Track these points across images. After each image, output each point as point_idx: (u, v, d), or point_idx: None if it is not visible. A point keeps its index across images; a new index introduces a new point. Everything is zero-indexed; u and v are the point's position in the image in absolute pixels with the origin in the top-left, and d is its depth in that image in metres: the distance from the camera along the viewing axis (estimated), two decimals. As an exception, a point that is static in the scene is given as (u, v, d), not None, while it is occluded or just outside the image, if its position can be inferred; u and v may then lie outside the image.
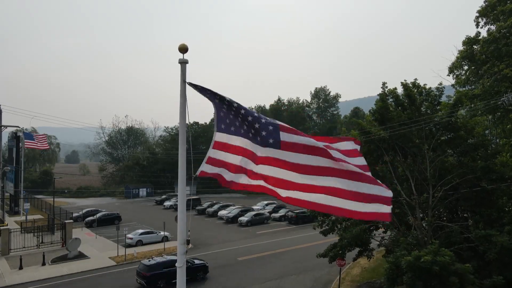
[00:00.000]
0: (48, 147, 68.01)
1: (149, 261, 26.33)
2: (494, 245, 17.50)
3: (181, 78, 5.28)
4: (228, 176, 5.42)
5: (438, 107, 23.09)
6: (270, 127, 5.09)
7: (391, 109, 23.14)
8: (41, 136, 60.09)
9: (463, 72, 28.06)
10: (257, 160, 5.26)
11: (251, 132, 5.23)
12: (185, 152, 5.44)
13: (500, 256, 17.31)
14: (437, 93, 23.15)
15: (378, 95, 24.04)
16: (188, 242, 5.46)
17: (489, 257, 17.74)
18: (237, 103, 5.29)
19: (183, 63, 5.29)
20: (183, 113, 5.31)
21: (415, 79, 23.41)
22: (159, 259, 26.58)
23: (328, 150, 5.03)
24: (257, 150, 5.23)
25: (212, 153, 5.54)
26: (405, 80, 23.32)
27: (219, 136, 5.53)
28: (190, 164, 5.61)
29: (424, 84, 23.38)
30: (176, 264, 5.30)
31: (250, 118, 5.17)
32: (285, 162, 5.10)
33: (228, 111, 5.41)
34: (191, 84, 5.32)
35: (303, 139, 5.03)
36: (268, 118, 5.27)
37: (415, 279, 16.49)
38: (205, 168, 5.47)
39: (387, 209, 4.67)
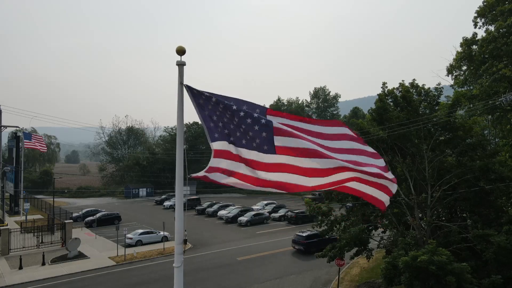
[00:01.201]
0: (46, 150, 68.09)
1: (303, 233, 34.36)
2: (491, 245, 17.56)
3: (178, 80, 5.32)
4: (219, 178, 5.47)
5: (436, 107, 23.16)
6: (264, 133, 5.18)
7: (390, 109, 23.21)
8: (39, 137, 60.28)
9: (462, 72, 28.09)
10: (249, 164, 5.37)
11: (245, 138, 5.31)
12: (182, 153, 5.46)
13: (498, 256, 17.38)
14: (436, 93, 23.22)
15: (378, 95, 24.12)
16: (185, 241, 5.52)
17: (486, 257, 17.80)
18: (232, 109, 5.35)
19: (181, 65, 5.34)
20: (181, 114, 5.36)
21: (413, 79, 23.51)
22: (309, 232, 33.86)
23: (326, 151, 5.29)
24: (250, 155, 5.33)
25: (214, 162, 5.51)
26: (402, 81, 23.42)
27: (216, 145, 5.53)
28: (189, 164, 5.64)
29: (423, 84, 23.45)
30: (174, 264, 5.36)
31: (243, 126, 5.27)
32: (284, 165, 5.27)
33: (221, 116, 5.45)
34: (187, 87, 5.37)
35: (298, 142, 5.18)
36: (262, 120, 5.33)
37: (412, 279, 16.54)
38: (201, 173, 5.50)
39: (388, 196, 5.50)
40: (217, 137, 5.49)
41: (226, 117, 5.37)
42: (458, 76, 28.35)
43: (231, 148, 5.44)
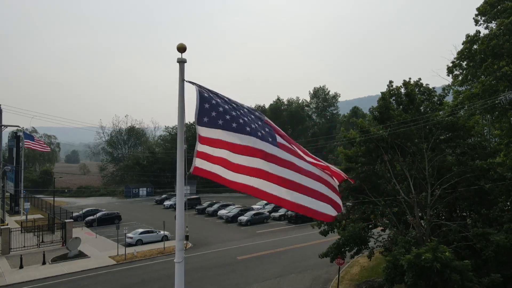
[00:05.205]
0: (49, 149, 68.30)
1: None
2: (491, 243, 17.58)
3: (179, 77, 5.35)
4: (222, 172, 5.47)
5: (438, 107, 23.20)
6: (267, 129, 5.30)
7: (392, 108, 23.23)
8: (41, 141, 60.74)
9: (462, 71, 28.06)
10: (243, 151, 5.37)
11: (250, 127, 5.35)
12: (183, 151, 5.49)
13: (497, 255, 17.40)
14: (443, 93, 23.35)
15: (381, 93, 24.15)
16: (187, 237, 5.56)
17: (486, 255, 17.82)
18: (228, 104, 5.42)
19: (181, 62, 5.36)
20: (182, 111, 5.39)
21: (419, 78, 23.47)
22: None
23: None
24: (249, 142, 5.32)
25: (200, 147, 5.55)
26: (409, 78, 23.43)
27: (201, 130, 5.53)
28: (189, 163, 5.66)
29: (427, 84, 23.45)
30: (175, 260, 5.39)
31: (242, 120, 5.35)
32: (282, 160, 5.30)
33: (218, 106, 5.47)
34: (189, 82, 5.40)
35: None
36: (259, 122, 5.46)
37: (416, 278, 16.48)
38: (197, 163, 5.52)
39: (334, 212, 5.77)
40: (206, 122, 5.41)
41: (227, 105, 5.41)
42: (457, 76, 28.31)
43: (225, 136, 5.40)
